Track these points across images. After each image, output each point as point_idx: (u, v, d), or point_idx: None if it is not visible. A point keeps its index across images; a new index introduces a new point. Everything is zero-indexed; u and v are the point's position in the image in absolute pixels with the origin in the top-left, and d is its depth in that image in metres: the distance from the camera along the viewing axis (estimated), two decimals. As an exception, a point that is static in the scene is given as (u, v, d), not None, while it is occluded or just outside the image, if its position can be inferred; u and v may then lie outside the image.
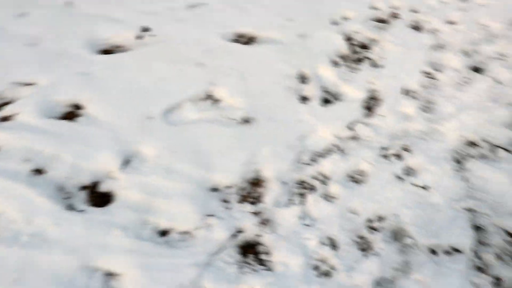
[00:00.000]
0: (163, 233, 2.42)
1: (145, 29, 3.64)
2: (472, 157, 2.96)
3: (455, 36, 4.14)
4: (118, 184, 2.58)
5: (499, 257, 2.45)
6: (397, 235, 2.52)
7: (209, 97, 3.12)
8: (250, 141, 2.88)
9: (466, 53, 3.92)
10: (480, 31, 4.26)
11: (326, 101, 3.26)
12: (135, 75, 3.20)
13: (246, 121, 3.00)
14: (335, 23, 4.04)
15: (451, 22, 4.36)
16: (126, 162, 2.69)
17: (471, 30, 4.27)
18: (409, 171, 2.84)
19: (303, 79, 3.37)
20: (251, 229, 2.49)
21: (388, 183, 2.76)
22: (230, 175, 2.70)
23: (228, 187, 2.65)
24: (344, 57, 3.67)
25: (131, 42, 3.52)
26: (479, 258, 2.43)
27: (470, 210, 2.65)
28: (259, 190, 2.67)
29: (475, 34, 4.20)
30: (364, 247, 2.47)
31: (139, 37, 3.57)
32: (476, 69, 3.75)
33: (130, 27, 3.64)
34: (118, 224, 2.42)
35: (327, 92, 3.32)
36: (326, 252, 2.44)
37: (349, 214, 2.60)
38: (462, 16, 4.46)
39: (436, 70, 3.68)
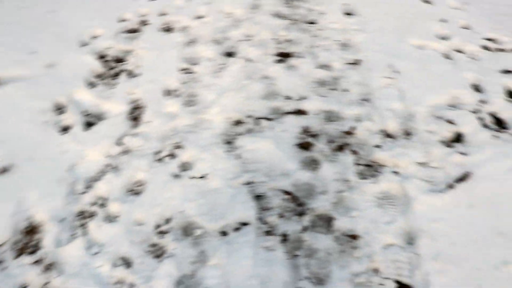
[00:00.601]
0: None
1: None
2: (240, 134, 3.12)
3: (205, 28, 4.33)
4: None
5: (281, 216, 2.61)
6: (187, 230, 2.54)
7: (-43, 157, 2.81)
8: (13, 190, 2.66)
9: (217, 42, 4.12)
10: (226, 19, 4.51)
11: (89, 124, 3.16)
12: None
13: (5, 170, 2.76)
14: (84, 44, 3.93)
15: (199, 17, 4.54)
16: None
17: (218, 20, 4.49)
18: (185, 166, 2.89)
19: (60, 109, 3.22)
20: (35, 280, 2.30)
21: (166, 184, 2.77)
22: (-1, 233, 2.47)
23: (-1, 246, 2.42)
24: (100, 76, 3.60)
25: None
26: (265, 223, 2.57)
27: (248, 183, 2.78)
28: (36, 236, 2.48)
29: (223, 23, 4.44)
30: (158, 253, 2.45)
31: None
32: (229, 54, 3.96)
33: None
34: None
35: (88, 115, 3.22)
36: (121, 272, 2.36)
37: (136, 227, 2.55)
38: (208, 9, 4.68)
39: (193, 64, 3.80)
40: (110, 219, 2.59)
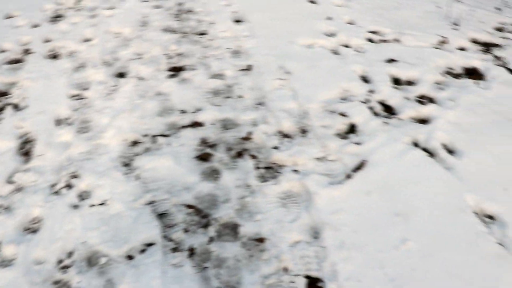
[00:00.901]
0: None
1: None
2: (138, 154, 3.06)
3: (93, 51, 4.22)
4: None
5: (186, 230, 2.59)
6: (91, 260, 2.45)
7: None
8: None
9: (107, 64, 4.03)
10: (115, 39, 4.43)
11: (-26, 166, 2.97)
12: None
13: None
14: (-38, 82, 3.71)
15: (86, 40, 4.43)
16: None
17: (106, 41, 4.40)
18: (84, 195, 2.78)
19: None
20: None
21: (66, 216, 2.65)
22: None
23: None
24: (-18, 113, 3.40)
25: None
26: (171, 240, 2.53)
27: (150, 203, 2.73)
28: None
29: (111, 43, 4.35)
30: (63, 290, 2.34)
31: None
32: (120, 74, 3.89)
33: None
34: None
35: (-28, 156, 3.03)
36: (23, 317, 2.23)
37: (35, 266, 2.42)
38: (95, 31, 4.58)
39: (83, 89, 3.69)
40: (5, 263, 2.43)
